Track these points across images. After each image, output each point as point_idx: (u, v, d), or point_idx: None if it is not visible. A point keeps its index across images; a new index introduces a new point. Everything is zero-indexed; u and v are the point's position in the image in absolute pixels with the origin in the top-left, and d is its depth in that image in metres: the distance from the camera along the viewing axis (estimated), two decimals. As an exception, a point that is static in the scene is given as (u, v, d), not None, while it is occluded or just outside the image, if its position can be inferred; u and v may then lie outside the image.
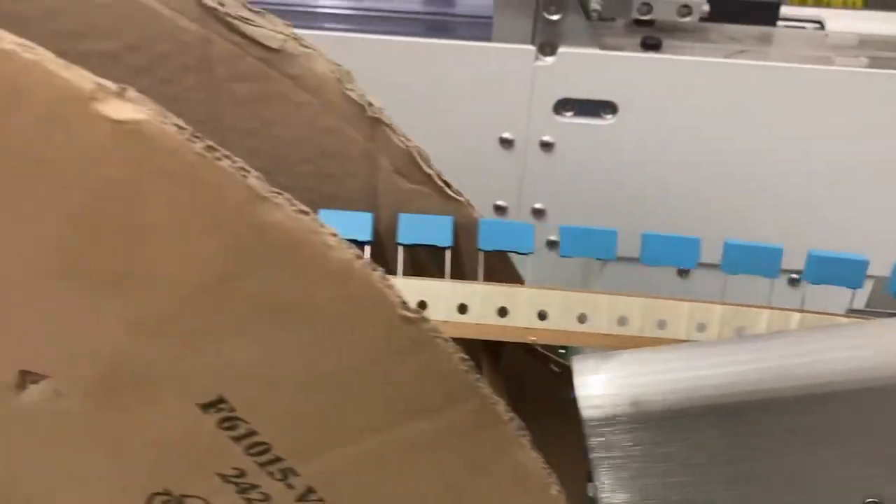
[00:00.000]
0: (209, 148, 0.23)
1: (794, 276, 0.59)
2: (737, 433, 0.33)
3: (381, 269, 0.26)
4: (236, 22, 0.32)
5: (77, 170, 0.24)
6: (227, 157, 0.24)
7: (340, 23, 0.59)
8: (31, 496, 0.33)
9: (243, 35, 0.32)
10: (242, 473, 0.31)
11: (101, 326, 0.27)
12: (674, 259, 0.37)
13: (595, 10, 0.63)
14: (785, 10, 0.70)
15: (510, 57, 0.58)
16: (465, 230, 0.36)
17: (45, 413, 0.30)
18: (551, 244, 0.61)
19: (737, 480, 0.35)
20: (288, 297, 0.26)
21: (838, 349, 0.32)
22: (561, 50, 0.58)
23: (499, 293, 0.34)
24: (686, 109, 0.59)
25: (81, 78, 0.23)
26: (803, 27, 0.72)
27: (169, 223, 0.25)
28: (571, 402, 0.42)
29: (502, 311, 0.34)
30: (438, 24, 0.64)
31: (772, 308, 0.36)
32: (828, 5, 0.82)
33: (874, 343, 0.32)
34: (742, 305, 0.36)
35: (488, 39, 0.60)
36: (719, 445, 0.34)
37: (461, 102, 0.58)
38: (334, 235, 0.25)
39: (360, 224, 0.35)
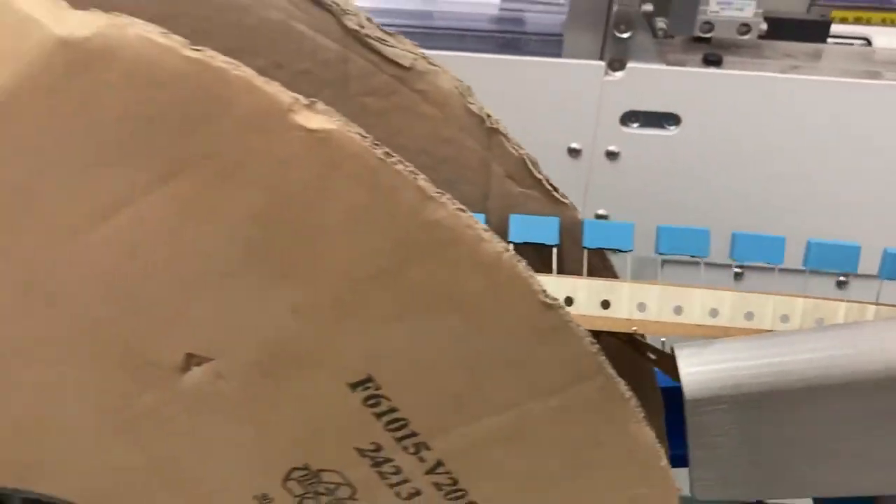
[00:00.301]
0: (387, 154, 0.27)
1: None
2: (822, 413, 0.37)
3: (524, 260, 0.29)
4: (374, 42, 0.36)
5: (269, 173, 0.27)
6: (400, 161, 0.27)
7: (418, 40, 0.62)
8: (182, 470, 0.37)
9: (379, 54, 0.36)
10: (379, 448, 0.34)
11: (269, 313, 0.31)
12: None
13: (661, 29, 0.68)
14: (835, 28, 0.74)
15: (580, 72, 0.62)
16: (568, 231, 0.40)
17: (203, 394, 0.34)
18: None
19: (816, 457, 0.38)
20: (443, 286, 0.29)
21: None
22: (629, 65, 0.62)
23: (603, 287, 0.38)
24: (745, 120, 0.63)
25: (281, 92, 0.26)
26: (852, 44, 0.76)
27: (345, 221, 0.28)
28: (655, 391, 0.45)
29: (605, 304, 0.38)
30: (511, 42, 0.68)
31: (849, 301, 0.39)
32: (868, 22, 0.86)
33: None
34: (821, 299, 0.39)
35: (558, 56, 0.64)
36: (804, 425, 0.37)
37: (532, 114, 0.61)
38: (486, 230, 0.29)
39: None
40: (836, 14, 0.86)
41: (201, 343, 0.32)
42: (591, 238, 0.39)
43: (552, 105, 0.62)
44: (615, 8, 0.63)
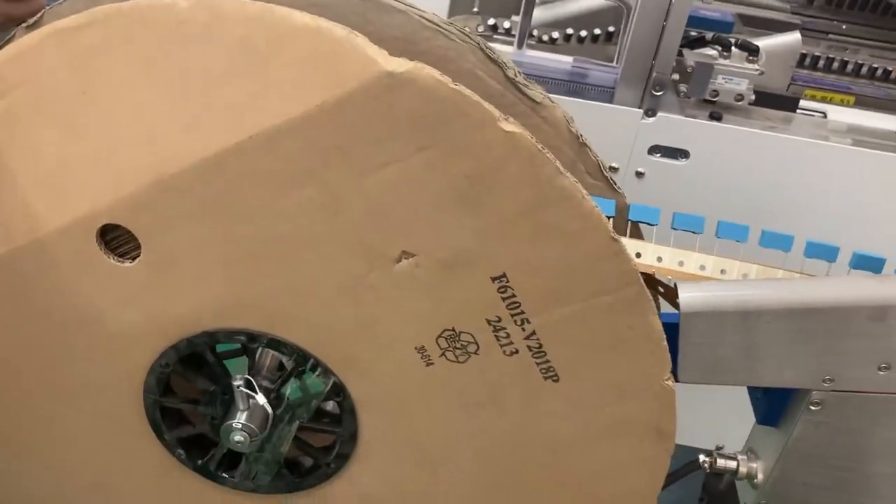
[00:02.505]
0: (542, 147, 0.51)
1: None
2: (764, 328, 0.59)
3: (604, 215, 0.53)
4: (521, 85, 0.60)
5: (480, 152, 0.51)
6: (548, 151, 0.51)
7: None
8: (377, 326, 0.60)
9: (524, 93, 0.60)
10: (499, 319, 0.58)
11: (460, 232, 0.54)
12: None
13: (682, 92, 0.99)
14: (803, 103, 1.06)
15: (624, 115, 0.92)
16: (619, 210, 0.64)
17: (405, 276, 0.57)
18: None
19: (759, 358, 0.60)
20: (559, 223, 0.53)
21: (814, 287, 0.60)
22: (659, 114, 0.92)
23: (637, 245, 0.62)
24: (735, 159, 0.92)
25: (492, 107, 0.50)
26: (813, 115, 1.07)
27: (516, 181, 0.52)
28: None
29: (637, 255, 0.62)
30: (577, 89, 0.96)
31: (784, 269, 0.63)
32: (829, 101, 1.15)
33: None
34: (767, 266, 0.63)
35: (610, 102, 0.94)
36: (754, 335, 0.59)
37: (589, 141, 0.87)
38: (587, 196, 0.53)
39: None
40: (808, 92, 1.17)
41: (413, 245, 0.56)
42: (634, 214, 0.64)
43: (603, 135, 0.88)
44: (653, 75, 0.91)
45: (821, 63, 1.28)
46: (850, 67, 1.27)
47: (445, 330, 0.59)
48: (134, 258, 0.59)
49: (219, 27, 0.51)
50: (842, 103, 1.16)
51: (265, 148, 0.53)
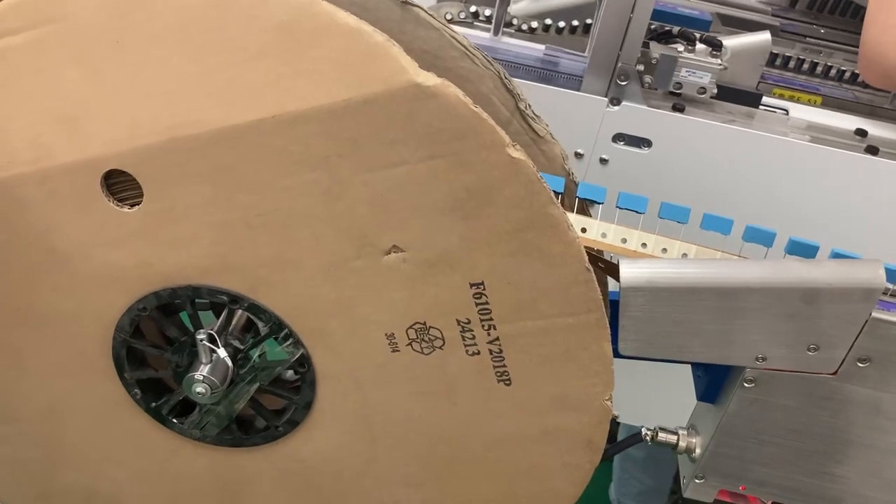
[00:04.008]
0: (540, 177, 0.56)
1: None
2: (697, 306, 0.61)
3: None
4: (529, 118, 0.64)
5: (484, 169, 0.55)
6: (543, 181, 0.56)
7: None
8: (359, 307, 0.63)
9: (529, 125, 0.64)
10: (469, 321, 0.63)
11: (448, 235, 0.59)
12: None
13: (647, 83, 1.05)
14: (765, 99, 1.12)
15: (591, 103, 0.97)
16: (570, 190, 0.69)
17: (390, 268, 0.61)
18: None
19: (691, 334, 0.63)
20: (547, 249, 0.58)
21: (748, 268, 0.62)
22: (623, 103, 0.98)
23: (581, 221, 0.67)
24: (694, 150, 0.98)
25: (504, 133, 0.55)
26: (774, 112, 1.12)
27: (512, 197, 0.56)
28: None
29: (583, 230, 0.66)
30: (548, 76, 1.01)
31: (722, 251, 0.68)
32: (797, 100, 1.23)
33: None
34: (705, 247, 0.67)
35: (578, 90, 0.99)
36: (687, 312, 0.62)
37: (556, 126, 0.90)
38: (577, 238, 0.57)
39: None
40: (776, 91, 1.24)
41: (404, 241, 0.60)
42: (581, 192, 0.68)
43: (570, 122, 0.95)
44: (619, 65, 0.96)
45: (791, 63, 1.35)
46: (819, 69, 1.34)
47: (417, 322, 0.64)
48: (133, 205, 0.61)
49: (263, 8, 0.54)
50: (809, 103, 1.22)
51: (284, 129, 0.56)
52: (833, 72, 1.34)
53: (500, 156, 0.55)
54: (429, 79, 0.53)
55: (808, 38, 1.47)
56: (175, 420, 0.73)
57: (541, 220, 0.57)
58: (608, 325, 0.62)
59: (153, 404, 0.72)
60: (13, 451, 0.78)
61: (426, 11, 0.64)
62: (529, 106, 0.65)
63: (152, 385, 0.73)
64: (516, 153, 0.55)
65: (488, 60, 0.62)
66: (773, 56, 1.35)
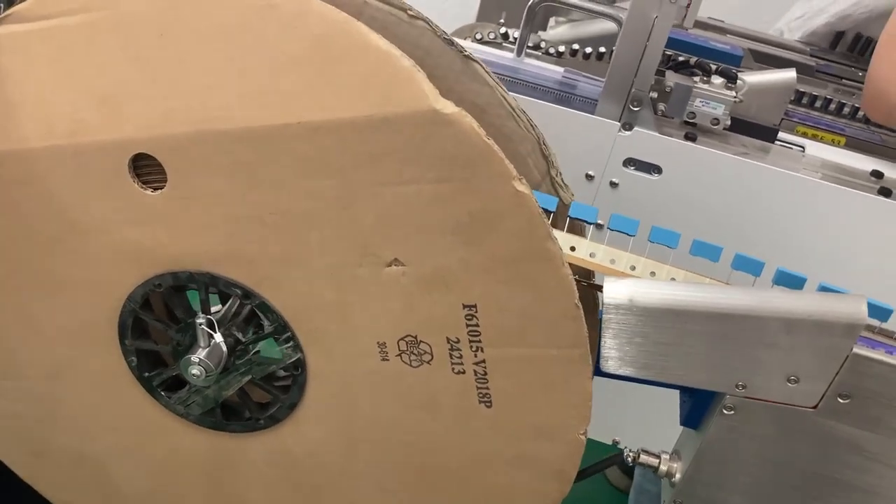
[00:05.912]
0: (543, 210, 0.58)
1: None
2: (678, 328, 0.62)
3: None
4: (557, 185, 0.67)
5: (490, 198, 0.58)
6: (545, 216, 0.58)
7: (507, 87, 0.89)
8: (352, 312, 0.66)
9: (556, 190, 0.68)
10: (458, 341, 0.65)
11: (448, 256, 0.61)
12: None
13: (660, 111, 1.07)
14: (782, 135, 1.12)
15: (604, 127, 1.00)
16: (562, 208, 0.71)
17: (390, 280, 0.64)
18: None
19: (672, 355, 0.63)
20: (541, 282, 0.60)
21: (731, 294, 0.62)
22: (636, 129, 1.00)
23: (573, 239, 0.68)
24: (705, 180, 1.00)
25: (512, 166, 0.57)
26: (790, 148, 1.12)
27: (513, 227, 0.59)
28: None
29: (573, 248, 0.68)
30: (564, 98, 1.05)
31: (712, 279, 0.69)
32: (820, 139, 1.22)
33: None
34: (691, 272, 0.68)
35: (593, 113, 1.01)
36: (668, 333, 0.62)
37: (569, 147, 0.94)
38: (570, 274, 0.60)
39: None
40: (799, 129, 1.23)
41: (405, 255, 0.62)
42: (574, 211, 0.69)
43: (583, 143, 0.97)
44: (633, 90, 0.99)
45: (818, 103, 1.35)
46: (846, 110, 1.34)
47: (409, 335, 0.66)
48: (156, 189, 0.64)
49: (303, 20, 0.57)
50: (833, 143, 1.21)
51: (308, 136, 0.59)
52: (860, 113, 1.32)
53: (507, 187, 0.58)
54: (447, 106, 0.56)
55: (843, 80, 1.46)
56: (163, 393, 0.76)
57: (538, 253, 0.60)
58: (591, 363, 0.64)
59: (146, 374, 0.75)
60: (14, 407, 0.81)
61: (484, 68, 0.68)
62: (560, 174, 0.68)
63: (148, 357, 0.76)
64: (521, 187, 0.58)
65: (531, 125, 0.66)
66: (800, 94, 1.36)
